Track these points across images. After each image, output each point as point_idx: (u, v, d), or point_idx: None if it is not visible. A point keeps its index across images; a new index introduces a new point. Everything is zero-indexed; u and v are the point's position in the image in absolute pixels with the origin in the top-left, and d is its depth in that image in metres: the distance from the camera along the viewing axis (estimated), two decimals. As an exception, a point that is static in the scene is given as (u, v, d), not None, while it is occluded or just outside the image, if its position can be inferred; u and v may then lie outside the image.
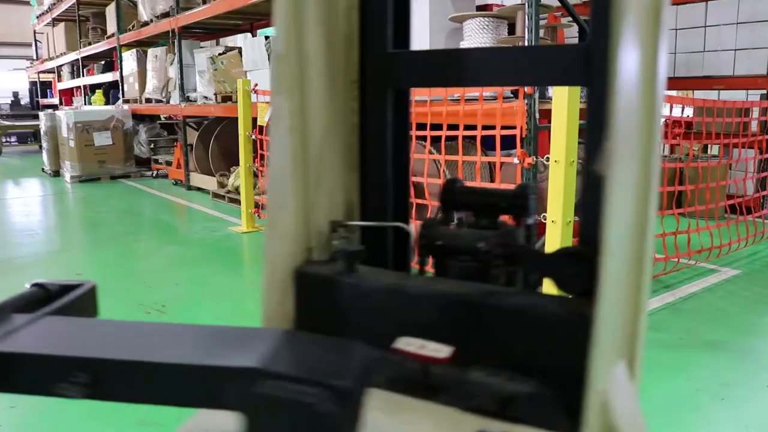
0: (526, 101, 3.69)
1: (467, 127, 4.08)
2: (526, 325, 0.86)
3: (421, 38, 4.64)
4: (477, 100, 3.96)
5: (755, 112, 6.24)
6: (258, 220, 6.30)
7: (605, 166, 0.73)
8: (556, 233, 3.25)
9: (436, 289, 0.95)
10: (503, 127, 3.81)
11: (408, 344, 0.86)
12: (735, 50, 6.57)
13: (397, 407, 0.86)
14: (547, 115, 3.89)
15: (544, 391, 0.84)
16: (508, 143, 4.10)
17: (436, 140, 4.49)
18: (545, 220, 3.34)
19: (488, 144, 4.24)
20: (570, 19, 4.74)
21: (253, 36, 7.74)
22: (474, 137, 4.05)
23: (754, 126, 6.31)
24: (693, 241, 4.43)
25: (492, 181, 4.20)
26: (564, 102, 3.15)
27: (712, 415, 2.57)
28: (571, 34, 6.03)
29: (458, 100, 4.14)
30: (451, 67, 1.09)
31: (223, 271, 4.88)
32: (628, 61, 0.73)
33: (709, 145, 7.07)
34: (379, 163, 1.16)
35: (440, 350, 0.84)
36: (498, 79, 1.09)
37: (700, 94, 6.75)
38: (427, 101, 4.33)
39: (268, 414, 0.60)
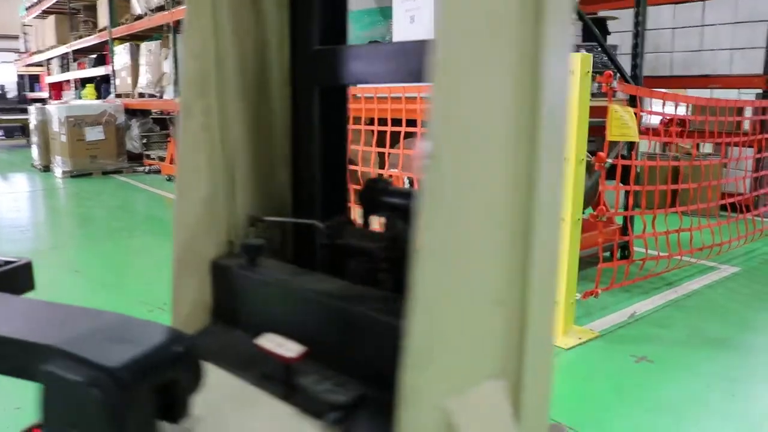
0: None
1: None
2: (362, 330, 0.81)
3: (427, 35, 4.61)
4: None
5: (748, 112, 6.29)
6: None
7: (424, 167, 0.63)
8: (566, 231, 3.25)
9: (303, 287, 0.96)
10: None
11: (268, 340, 0.86)
12: (732, 50, 6.61)
13: (241, 399, 0.84)
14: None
15: (361, 401, 0.78)
16: None
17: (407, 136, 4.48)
18: (553, 217, 3.34)
19: None
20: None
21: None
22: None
23: (746, 125, 6.36)
24: (691, 238, 4.45)
25: None
26: (575, 98, 3.15)
27: (725, 411, 2.58)
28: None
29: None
30: (373, 62, 1.04)
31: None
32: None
33: (702, 144, 7.13)
34: (308, 160, 1.15)
35: (292, 350, 0.83)
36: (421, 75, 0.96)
37: (695, 93, 6.79)
38: (401, 98, 4.34)
39: (52, 389, 0.61)
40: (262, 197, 1.15)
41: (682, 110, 8.47)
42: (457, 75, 0.61)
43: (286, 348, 0.84)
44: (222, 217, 1.08)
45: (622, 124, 3.49)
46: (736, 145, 5.21)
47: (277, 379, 0.84)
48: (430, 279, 0.58)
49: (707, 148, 7.57)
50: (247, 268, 1.04)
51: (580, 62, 3.16)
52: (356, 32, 5.38)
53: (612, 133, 3.49)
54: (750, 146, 5.81)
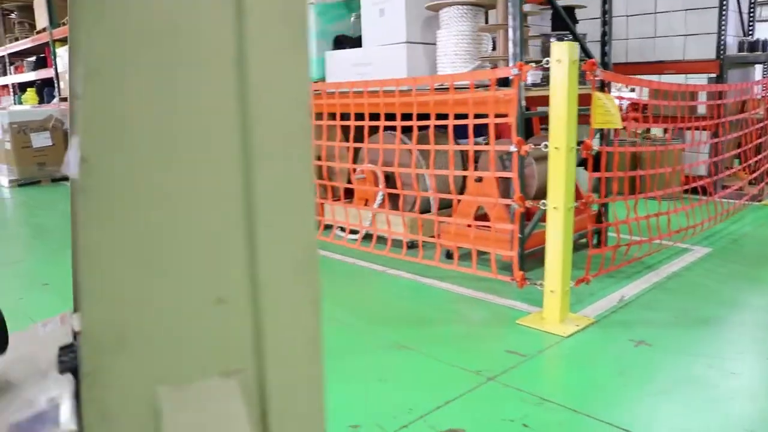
0: (497, 89, 3.69)
1: (439, 117, 4.07)
2: None
3: (397, 28, 4.58)
4: (447, 89, 3.95)
5: (703, 96, 6.46)
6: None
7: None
8: (559, 220, 3.27)
9: None
10: (477, 116, 3.83)
11: None
12: (685, 35, 6.77)
13: None
14: (532, 102, 3.91)
15: None
16: (476, 132, 4.11)
17: (407, 130, 4.47)
18: (545, 206, 3.35)
19: (458, 133, 4.24)
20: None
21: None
22: (444, 127, 4.05)
23: (702, 109, 6.53)
24: (669, 222, 4.55)
25: (465, 169, 4.20)
26: (564, 87, 3.16)
27: (730, 390, 2.63)
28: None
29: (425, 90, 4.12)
30: None
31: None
32: None
33: (654, 128, 7.30)
34: None
35: None
36: None
37: (650, 79, 6.93)
38: (395, 91, 4.29)
39: None
40: None
41: (633, 96, 8.68)
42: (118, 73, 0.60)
43: None
44: None
45: (605, 111, 3.52)
46: (696, 129, 5.34)
47: None
48: (98, 272, 0.60)
49: (660, 133, 7.78)
50: None
51: (567, 51, 3.17)
52: (322, 26, 5.30)
53: (596, 121, 3.53)
54: (705, 129, 5.98)
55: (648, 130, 7.59)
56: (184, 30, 0.60)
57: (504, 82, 3.78)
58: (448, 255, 4.39)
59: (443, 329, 3.38)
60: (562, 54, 3.18)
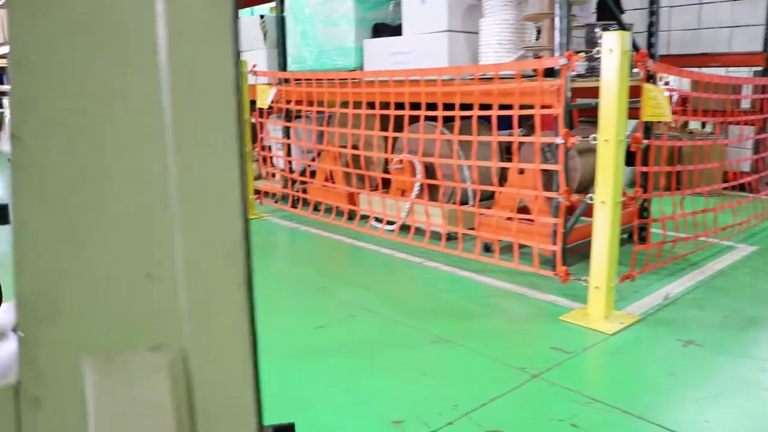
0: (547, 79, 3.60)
1: (483, 107, 3.99)
2: None
3: (439, 16, 4.50)
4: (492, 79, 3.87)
5: (748, 90, 6.28)
6: (258, 207, 6.12)
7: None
8: (606, 214, 3.18)
9: None
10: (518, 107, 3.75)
11: None
12: (732, 27, 6.59)
13: None
14: (578, 93, 3.81)
15: None
16: (511, 123, 4.02)
17: (448, 120, 4.39)
18: (592, 201, 3.26)
19: (500, 124, 4.16)
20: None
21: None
22: (486, 118, 3.97)
23: (745, 103, 6.36)
24: (715, 219, 4.42)
25: (509, 161, 4.11)
26: (615, 78, 3.07)
27: (789, 395, 2.54)
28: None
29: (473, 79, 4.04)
30: None
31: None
32: None
33: (704, 123, 7.12)
34: None
35: None
36: None
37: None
38: (437, 80, 4.22)
39: None
40: None
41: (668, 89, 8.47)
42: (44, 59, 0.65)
43: None
44: None
45: (655, 104, 3.42)
46: (742, 123, 5.19)
47: None
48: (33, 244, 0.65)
49: (704, 127, 7.59)
50: None
51: (619, 40, 3.07)
52: (361, 14, 5.23)
53: (646, 114, 3.42)
54: (750, 125, 5.81)
55: (686, 124, 7.42)
56: (108, 16, 0.64)
57: (549, 73, 3.69)
58: (486, 248, 4.31)
59: (485, 323, 3.32)
60: (615, 43, 3.08)
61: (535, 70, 3.69)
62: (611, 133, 3.10)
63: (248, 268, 0.76)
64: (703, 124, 7.24)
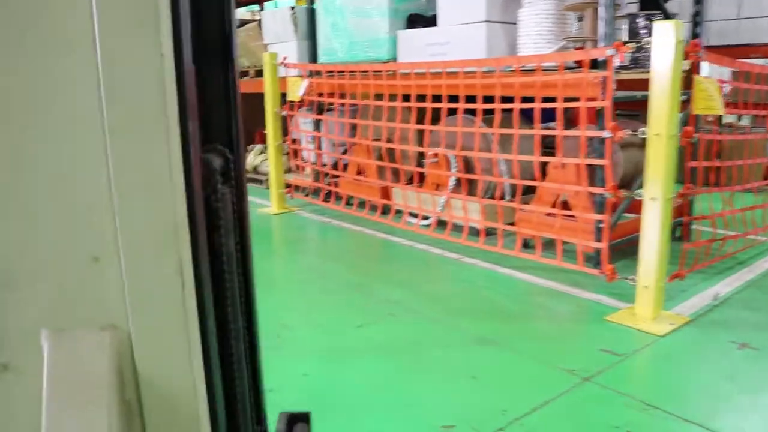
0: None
1: (524, 100, 3.88)
2: None
3: (476, 7, 4.38)
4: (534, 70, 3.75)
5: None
6: (289, 201, 6.05)
7: None
8: (656, 211, 3.06)
9: None
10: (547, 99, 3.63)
11: None
12: (774, 17, 6.39)
13: None
14: (625, 85, 3.69)
15: None
16: (547, 116, 3.91)
17: (484, 114, 4.29)
18: (641, 197, 3.15)
19: (531, 117, 4.04)
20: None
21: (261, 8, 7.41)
22: (523, 111, 3.86)
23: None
24: (755, 216, 4.28)
25: (553, 155, 3.99)
26: (668, 69, 2.94)
27: None
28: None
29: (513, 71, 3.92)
30: None
31: (264, 255, 4.64)
32: None
33: (739, 116, 6.92)
34: None
35: None
36: None
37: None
38: (475, 72, 4.11)
39: None
40: None
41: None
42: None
43: None
44: None
45: (707, 96, 3.28)
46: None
47: None
48: None
49: (740, 120, 7.39)
50: None
51: (673, 30, 2.94)
52: (395, 4, 5.13)
53: (698, 107, 3.29)
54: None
55: (721, 117, 7.21)
56: (43, 10, 0.69)
57: (592, 65, 3.57)
58: (525, 244, 4.21)
59: (529, 323, 3.22)
60: (668, 33, 2.95)
61: (580, 62, 3.57)
62: (662, 126, 2.98)
63: (194, 253, 0.81)
64: (739, 117, 7.04)
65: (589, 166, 3.65)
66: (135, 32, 0.72)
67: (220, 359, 1.03)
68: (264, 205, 6.06)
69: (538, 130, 3.73)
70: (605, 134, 3.37)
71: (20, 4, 0.69)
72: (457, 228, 4.54)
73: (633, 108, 5.31)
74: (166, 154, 0.75)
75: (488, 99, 4.06)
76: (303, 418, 1.44)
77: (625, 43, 3.39)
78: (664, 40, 2.95)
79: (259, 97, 6.03)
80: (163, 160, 0.75)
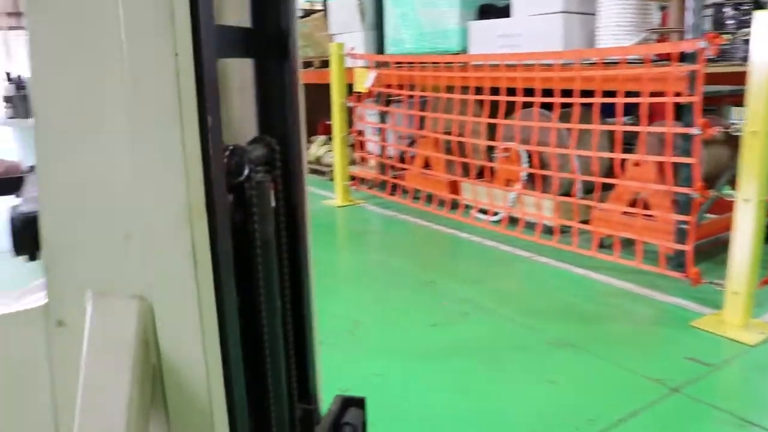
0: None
1: (586, 94, 3.73)
2: None
3: (552, -3, 4.24)
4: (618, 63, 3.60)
5: None
6: (354, 193, 6.01)
7: None
8: (750, 213, 2.89)
9: None
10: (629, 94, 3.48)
11: None
12: None
13: None
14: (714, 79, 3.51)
15: None
16: (610, 111, 3.76)
17: (556, 107, 4.15)
18: (731, 197, 2.98)
19: (605, 112, 3.88)
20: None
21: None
22: (589, 105, 3.72)
23: None
24: None
25: (629, 151, 3.83)
26: (766, 64, 2.77)
27: None
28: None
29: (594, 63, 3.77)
30: None
31: (331, 249, 4.62)
32: None
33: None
34: None
35: None
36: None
37: None
38: (552, 65, 3.97)
39: None
40: None
41: None
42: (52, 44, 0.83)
43: None
44: None
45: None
46: None
47: None
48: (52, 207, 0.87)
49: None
50: None
51: (772, 21, 2.77)
52: (467, -6, 5.02)
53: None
54: None
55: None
56: (80, 19, 0.82)
57: (679, 58, 3.40)
58: (601, 244, 4.06)
59: (608, 327, 3.10)
60: (761, 25, 2.78)
61: (666, 55, 3.41)
62: (760, 124, 2.81)
63: (212, 236, 0.92)
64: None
65: (673, 163, 3.49)
66: (153, 36, 0.83)
67: (251, 337, 1.13)
68: (328, 198, 6.04)
69: (619, 126, 3.58)
70: (694, 131, 3.20)
71: (60, 15, 0.83)
72: (529, 225, 4.42)
73: (709, 103, 5.10)
74: (182, 145, 0.86)
75: (563, 93, 3.93)
76: (358, 402, 1.48)
77: (720, 34, 3.22)
78: (765, 30, 2.78)
79: (322, 88, 6.00)
80: (179, 151, 0.86)
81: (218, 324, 0.95)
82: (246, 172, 1.09)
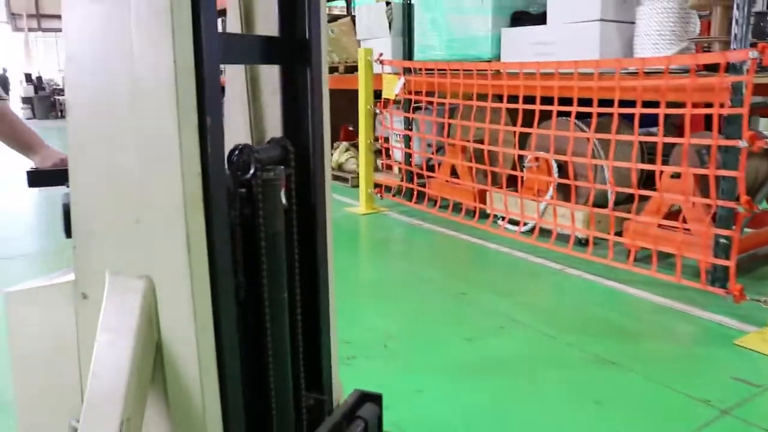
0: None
1: (626, 104, 3.64)
2: None
3: (590, 4, 4.16)
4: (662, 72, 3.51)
5: None
6: (378, 201, 5.94)
7: None
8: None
9: None
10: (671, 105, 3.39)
11: None
12: None
13: None
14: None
15: None
16: (654, 122, 3.67)
17: (583, 117, 4.07)
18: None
19: (644, 122, 3.79)
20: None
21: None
22: (625, 116, 3.63)
23: None
24: None
25: (653, 162, 3.73)
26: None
27: None
28: None
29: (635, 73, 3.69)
30: None
31: (358, 258, 4.55)
32: None
33: None
34: None
35: None
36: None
37: None
38: (573, 73, 3.89)
39: None
40: None
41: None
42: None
43: None
44: None
45: None
46: None
47: None
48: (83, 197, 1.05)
49: None
50: None
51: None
52: (499, 1, 4.95)
53: None
54: None
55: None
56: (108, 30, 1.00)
57: (712, 68, 3.31)
58: (634, 257, 3.96)
59: (649, 344, 3.01)
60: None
61: (707, 65, 3.32)
62: (813, 137, 2.72)
63: (209, 227, 1.01)
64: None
65: (699, 175, 3.40)
66: (155, 45, 0.93)
67: (256, 325, 1.21)
68: (351, 205, 5.97)
69: (661, 137, 3.49)
70: (741, 144, 3.11)
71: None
72: (561, 237, 4.33)
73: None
74: (178, 144, 0.95)
75: (605, 103, 3.84)
76: (375, 399, 1.55)
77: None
78: (819, 42, 2.69)
79: (346, 94, 5.94)
80: (177, 148, 0.95)
81: (213, 307, 1.04)
82: (252, 170, 1.16)
